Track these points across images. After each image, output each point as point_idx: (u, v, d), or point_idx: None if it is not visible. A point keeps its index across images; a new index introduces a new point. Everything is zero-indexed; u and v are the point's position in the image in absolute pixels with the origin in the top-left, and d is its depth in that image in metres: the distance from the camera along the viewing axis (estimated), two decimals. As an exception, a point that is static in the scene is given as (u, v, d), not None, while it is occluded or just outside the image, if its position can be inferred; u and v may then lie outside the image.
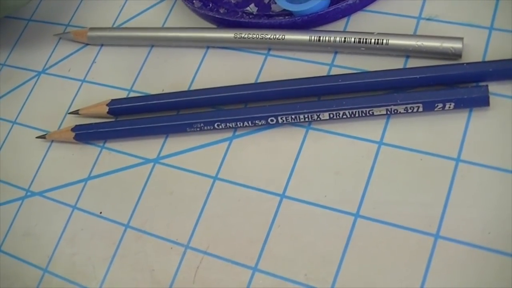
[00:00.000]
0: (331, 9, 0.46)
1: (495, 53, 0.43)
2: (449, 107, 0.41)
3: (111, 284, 0.45)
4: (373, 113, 0.42)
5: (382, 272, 0.39)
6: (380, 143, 0.42)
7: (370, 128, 0.43)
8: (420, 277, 0.38)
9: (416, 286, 0.38)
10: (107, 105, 0.49)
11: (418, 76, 0.42)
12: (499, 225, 0.38)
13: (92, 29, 0.54)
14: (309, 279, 0.40)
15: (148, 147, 0.48)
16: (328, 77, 0.45)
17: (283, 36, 0.46)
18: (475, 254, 0.38)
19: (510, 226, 0.38)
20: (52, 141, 0.52)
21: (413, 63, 0.44)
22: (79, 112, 0.50)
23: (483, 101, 0.40)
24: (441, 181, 0.40)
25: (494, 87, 0.41)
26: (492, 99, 0.41)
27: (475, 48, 0.43)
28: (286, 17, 0.47)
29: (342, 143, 0.44)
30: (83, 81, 0.53)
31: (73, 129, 0.50)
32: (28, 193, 0.50)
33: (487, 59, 0.43)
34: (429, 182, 0.41)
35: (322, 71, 0.46)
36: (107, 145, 0.49)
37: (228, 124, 0.45)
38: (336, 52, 0.47)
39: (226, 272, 0.42)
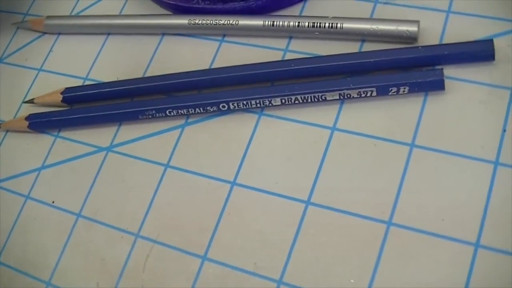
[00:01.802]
0: (286, -6, 0.43)
1: (453, 37, 0.40)
2: (404, 91, 0.38)
3: (62, 274, 0.42)
4: (326, 98, 0.39)
5: (333, 260, 0.37)
6: (333, 128, 0.39)
7: (323, 114, 0.40)
8: (372, 264, 0.36)
9: (368, 274, 0.36)
10: (61, 93, 0.46)
11: (372, 60, 0.39)
12: (453, 211, 0.36)
13: (49, 17, 0.51)
14: (259, 268, 0.38)
15: (101, 135, 0.45)
16: (281, 62, 0.42)
17: (237, 22, 0.44)
18: (428, 241, 0.35)
19: (464, 212, 0.35)
20: (7, 130, 0.48)
21: (369, 47, 0.42)
22: (34, 101, 0.47)
23: (438, 85, 0.38)
24: (395, 167, 0.38)
25: (450, 71, 0.39)
26: (447, 82, 0.38)
27: (432, 31, 0.41)
28: (241, 2, 0.44)
29: (295, 129, 0.41)
30: (40, 70, 0.50)
31: (27, 118, 0.47)
32: (-18, 183, 0.46)
33: (444, 42, 0.40)
34: (383, 168, 0.38)
35: (276, 56, 0.44)
36: (61, 134, 0.47)
37: (180, 111, 0.42)
38: (290, 37, 0.44)
39: (176, 260, 0.39)
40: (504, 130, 0.36)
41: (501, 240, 0.34)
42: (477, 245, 0.34)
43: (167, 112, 0.42)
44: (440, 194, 0.36)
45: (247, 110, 0.42)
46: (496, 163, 0.36)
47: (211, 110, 0.42)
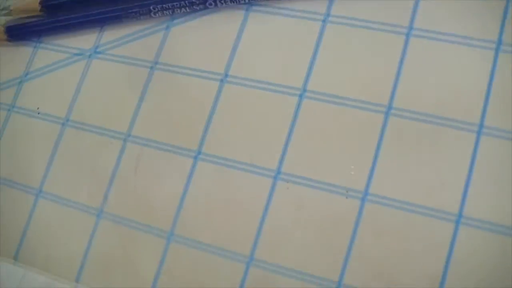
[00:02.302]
0: None
1: None
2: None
3: (51, 184, 0.40)
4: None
5: (331, 151, 0.35)
6: (326, 19, 0.38)
7: (314, 5, 0.38)
8: (371, 154, 0.34)
9: (368, 164, 0.34)
10: (38, -3, 0.43)
11: None
12: (452, 95, 0.34)
13: None
14: (255, 160, 0.36)
15: (85, 40, 0.43)
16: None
17: None
18: (430, 126, 0.34)
19: (464, 96, 0.34)
20: (-15, 43, 0.45)
21: None
22: (11, 8, 0.44)
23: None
24: (392, 53, 0.36)
25: None
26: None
27: None
28: None
29: (286, 22, 0.39)
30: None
31: (5, 28, 0.44)
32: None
33: None
34: (380, 55, 0.36)
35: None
36: (43, 41, 0.44)
37: (164, 10, 0.39)
38: None
39: (169, 159, 0.38)
40: (505, 16, 0.34)
41: (505, 122, 0.33)
42: (480, 128, 0.33)
43: (151, 10, 0.40)
44: (440, 79, 0.35)
45: (234, 6, 0.40)
46: (498, 49, 0.34)
47: (197, 3, 0.39)
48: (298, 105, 0.36)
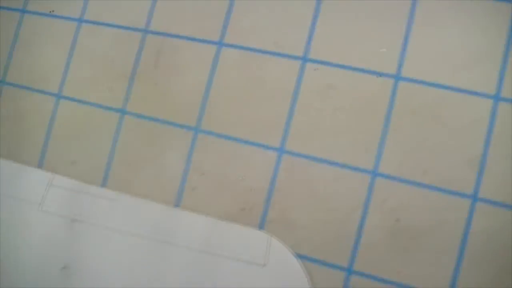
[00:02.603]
0: None
1: None
2: None
3: (70, 86, 0.38)
4: None
5: (360, 34, 0.33)
6: None
7: None
8: (402, 34, 0.32)
9: (399, 42, 0.31)
10: None
11: None
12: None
13: None
14: (280, 47, 0.34)
15: None
16: None
17: None
18: (460, 5, 0.32)
19: None
20: None
21: None
22: None
23: None
24: None
25: None
26: None
27: None
28: None
29: None
30: None
31: None
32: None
33: None
34: None
35: None
36: None
37: None
38: None
39: (190, 51, 0.36)
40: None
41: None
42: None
43: None
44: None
45: None
46: None
47: None
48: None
